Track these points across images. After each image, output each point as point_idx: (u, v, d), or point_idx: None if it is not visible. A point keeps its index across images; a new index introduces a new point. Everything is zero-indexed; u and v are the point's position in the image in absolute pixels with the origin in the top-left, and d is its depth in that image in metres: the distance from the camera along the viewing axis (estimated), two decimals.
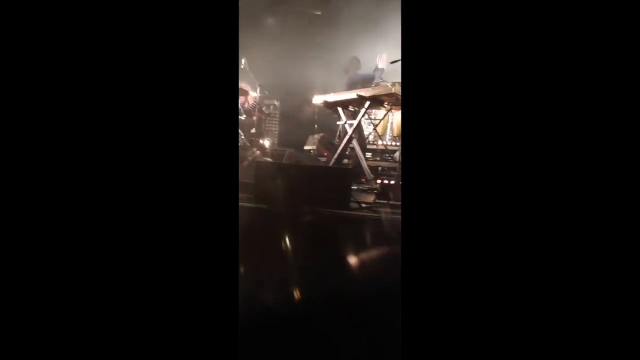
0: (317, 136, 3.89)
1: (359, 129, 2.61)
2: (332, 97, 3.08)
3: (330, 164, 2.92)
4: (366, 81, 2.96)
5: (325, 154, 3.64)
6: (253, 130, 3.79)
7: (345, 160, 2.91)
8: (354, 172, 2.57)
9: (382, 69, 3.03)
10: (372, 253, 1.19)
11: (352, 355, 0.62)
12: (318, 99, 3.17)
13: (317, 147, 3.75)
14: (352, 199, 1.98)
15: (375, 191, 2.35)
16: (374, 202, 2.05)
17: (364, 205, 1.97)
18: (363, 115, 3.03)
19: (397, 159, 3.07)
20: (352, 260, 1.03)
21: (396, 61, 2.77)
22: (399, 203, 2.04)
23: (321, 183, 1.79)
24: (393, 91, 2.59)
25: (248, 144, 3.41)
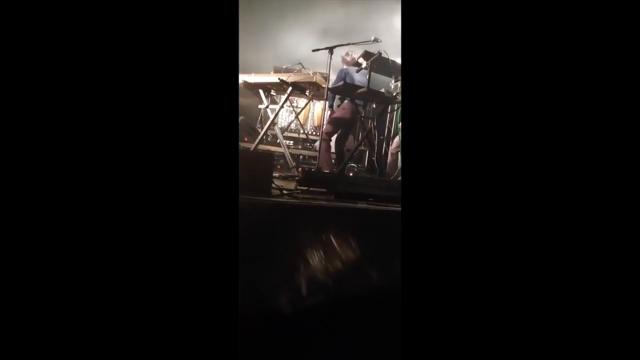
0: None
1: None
2: (253, 79, 2.94)
3: (252, 149, 2.82)
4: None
5: (246, 138, 3.48)
6: None
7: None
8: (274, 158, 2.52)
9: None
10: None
11: (352, 355, 0.61)
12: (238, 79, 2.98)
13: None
14: (273, 185, 1.96)
15: (296, 178, 2.38)
16: (295, 189, 2.07)
17: (285, 191, 1.97)
18: (286, 101, 2.99)
19: (317, 148, 3.17)
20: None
21: (317, 50, 2.80)
22: (319, 189, 2.12)
23: (242, 168, 1.70)
24: (314, 80, 2.64)
25: None
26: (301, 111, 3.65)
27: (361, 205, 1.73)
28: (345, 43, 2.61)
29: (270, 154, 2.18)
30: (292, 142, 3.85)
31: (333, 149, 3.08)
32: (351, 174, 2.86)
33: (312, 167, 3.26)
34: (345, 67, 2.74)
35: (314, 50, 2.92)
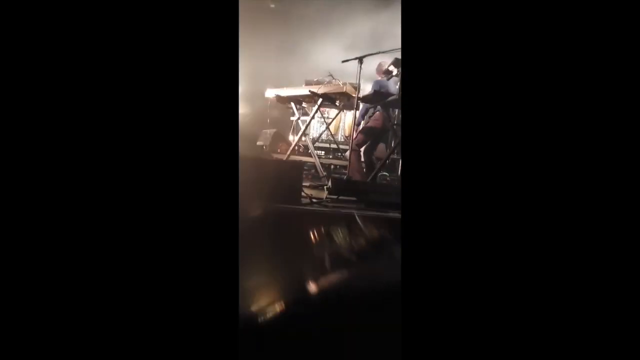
0: (269, 131, 3.82)
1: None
2: (285, 92, 3.05)
3: (285, 159, 2.90)
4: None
5: (279, 149, 3.60)
6: None
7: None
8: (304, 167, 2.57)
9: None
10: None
11: (352, 355, 0.60)
12: (271, 93, 3.12)
13: (270, 142, 3.68)
14: (303, 193, 1.99)
15: (327, 187, 2.39)
16: (325, 198, 2.08)
17: (314, 200, 1.99)
18: (316, 112, 3.05)
19: (348, 157, 3.17)
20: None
21: (347, 60, 2.84)
22: (349, 198, 2.12)
23: (273, 177, 1.76)
24: (344, 90, 2.67)
25: None
26: (332, 121, 3.70)
27: (393, 214, 1.69)
28: (375, 52, 2.62)
29: (300, 164, 2.22)
30: (323, 152, 3.89)
31: (363, 159, 3.06)
32: (384, 182, 2.80)
33: (343, 176, 3.26)
34: (379, 77, 2.75)
35: (343, 61, 2.97)
